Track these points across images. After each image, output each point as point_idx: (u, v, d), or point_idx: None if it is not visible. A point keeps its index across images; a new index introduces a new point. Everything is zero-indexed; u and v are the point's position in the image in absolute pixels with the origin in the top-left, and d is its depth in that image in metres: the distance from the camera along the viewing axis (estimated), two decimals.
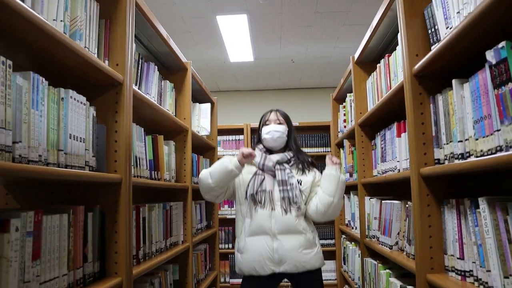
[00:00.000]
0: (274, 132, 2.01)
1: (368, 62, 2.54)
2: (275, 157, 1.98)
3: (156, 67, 2.13)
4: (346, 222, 3.33)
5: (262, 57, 5.13)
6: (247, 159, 1.89)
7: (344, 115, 3.09)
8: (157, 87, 2.15)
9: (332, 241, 4.32)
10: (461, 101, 1.21)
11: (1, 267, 0.90)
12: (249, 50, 4.83)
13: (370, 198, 2.36)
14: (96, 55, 1.42)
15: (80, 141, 1.27)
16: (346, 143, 2.98)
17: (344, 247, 3.30)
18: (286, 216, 1.87)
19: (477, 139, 1.11)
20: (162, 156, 2.11)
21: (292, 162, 2.00)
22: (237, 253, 1.98)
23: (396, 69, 1.90)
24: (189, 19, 4.06)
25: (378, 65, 2.18)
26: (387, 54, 2.03)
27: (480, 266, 1.13)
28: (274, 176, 1.94)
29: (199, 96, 3.22)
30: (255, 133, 4.82)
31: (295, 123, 4.45)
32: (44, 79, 1.10)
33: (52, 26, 1.09)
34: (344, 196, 3.04)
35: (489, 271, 1.06)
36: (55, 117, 1.15)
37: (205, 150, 3.36)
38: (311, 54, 5.05)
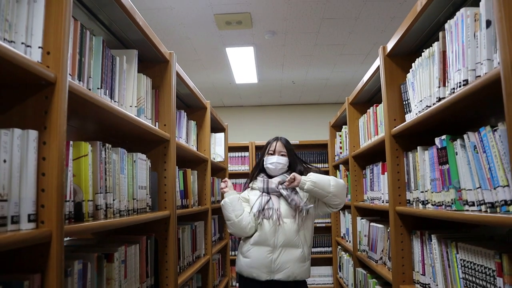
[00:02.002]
0: (277, 163, 2.30)
1: (361, 103, 3.00)
2: (276, 179, 2.28)
3: (186, 113, 2.58)
4: (342, 234, 3.80)
5: (265, 79, 5.59)
6: (223, 186, 2.29)
7: (340, 142, 3.55)
8: (185, 128, 2.61)
9: (329, 249, 4.77)
10: (423, 163, 1.67)
11: (111, 286, 1.35)
12: (253, 74, 5.29)
13: (361, 219, 2.82)
14: (151, 121, 1.87)
15: (144, 189, 1.73)
16: (342, 167, 3.45)
17: (340, 257, 3.77)
18: (290, 231, 2.16)
19: (432, 192, 1.58)
20: (190, 186, 2.57)
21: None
22: (239, 255, 2.29)
23: (382, 118, 2.36)
24: (201, 50, 4.52)
25: (368, 110, 2.64)
26: (375, 104, 2.49)
27: (433, 281, 1.59)
28: (278, 196, 2.25)
29: (213, 124, 3.67)
30: (259, 150, 5.31)
31: (295, 141, 4.92)
32: (125, 150, 1.56)
33: (130, 114, 1.54)
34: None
35: (437, 285, 1.53)
36: (131, 175, 1.61)
37: (218, 171, 3.81)
38: (310, 77, 5.52)
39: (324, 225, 4.68)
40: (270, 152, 2.35)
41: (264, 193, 2.27)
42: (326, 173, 2.54)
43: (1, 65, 0.84)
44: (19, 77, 0.91)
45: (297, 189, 2.22)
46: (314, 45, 4.43)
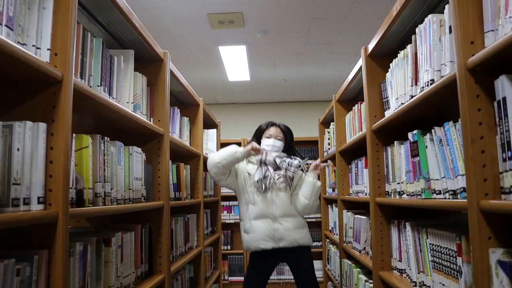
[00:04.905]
0: (273, 146, 2.49)
1: (347, 101, 3.13)
2: (274, 153, 2.47)
3: (179, 110, 2.69)
4: (330, 228, 3.93)
5: (257, 77, 5.71)
6: (255, 152, 2.38)
7: (329, 139, 3.68)
8: (179, 124, 2.72)
9: (319, 243, 4.91)
10: (399, 156, 1.80)
11: (109, 268, 1.47)
12: (246, 72, 5.41)
13: (347, 211, 2.95)
14: (146, 117, 1.98)
15: (139, 180, 1.84)
16: (330, 162, 3.57)
17: (328, 250, 3.91)
18: (285, 202, 2.39)
19: (407, 184, 1.71)
20: (183, 179, 2.68)
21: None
22: (243, 233, 2.47)
23: (366, 116, 2.48)
24: (195, 49, 4.63)
25: (353, 107, 2.77)
26: (360, 102, 2.62)
27: (408, 266, 1.72)
28: (275, 168, 2.43)
29: (206, 121, 3.78)
30: None
31: None
32: (122, 143, 1.67)
33: (127, 110, 1.65)
34: (320, 200, 3.53)
35: (411, 269, 1.66)
36: (127, 167, 1.72)
37: None
38: (302, 75, 5.65)
39: (314, 220, 4.81)
40: (267, 136, 2.52)
41: (262, 164, 2.45)
42: None
43: (16, 65, 0.95)
44: (31, 75, 1.02)
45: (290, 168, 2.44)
46: (304, 44, 4.55)
